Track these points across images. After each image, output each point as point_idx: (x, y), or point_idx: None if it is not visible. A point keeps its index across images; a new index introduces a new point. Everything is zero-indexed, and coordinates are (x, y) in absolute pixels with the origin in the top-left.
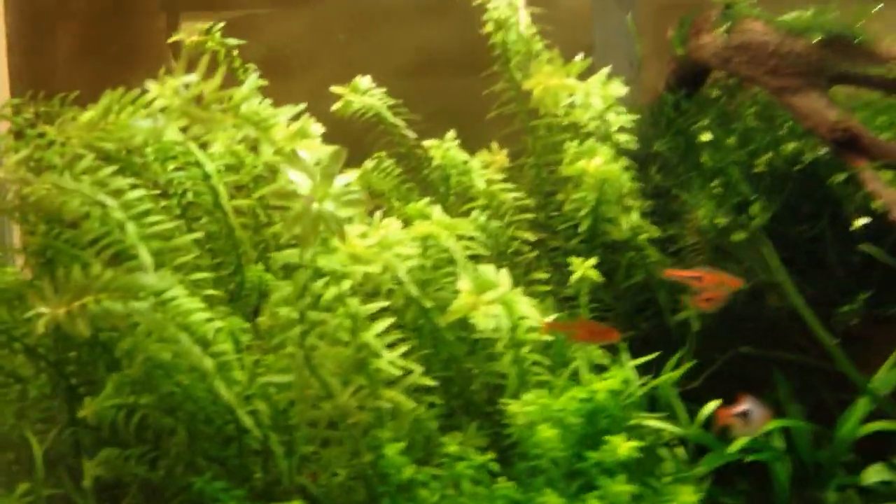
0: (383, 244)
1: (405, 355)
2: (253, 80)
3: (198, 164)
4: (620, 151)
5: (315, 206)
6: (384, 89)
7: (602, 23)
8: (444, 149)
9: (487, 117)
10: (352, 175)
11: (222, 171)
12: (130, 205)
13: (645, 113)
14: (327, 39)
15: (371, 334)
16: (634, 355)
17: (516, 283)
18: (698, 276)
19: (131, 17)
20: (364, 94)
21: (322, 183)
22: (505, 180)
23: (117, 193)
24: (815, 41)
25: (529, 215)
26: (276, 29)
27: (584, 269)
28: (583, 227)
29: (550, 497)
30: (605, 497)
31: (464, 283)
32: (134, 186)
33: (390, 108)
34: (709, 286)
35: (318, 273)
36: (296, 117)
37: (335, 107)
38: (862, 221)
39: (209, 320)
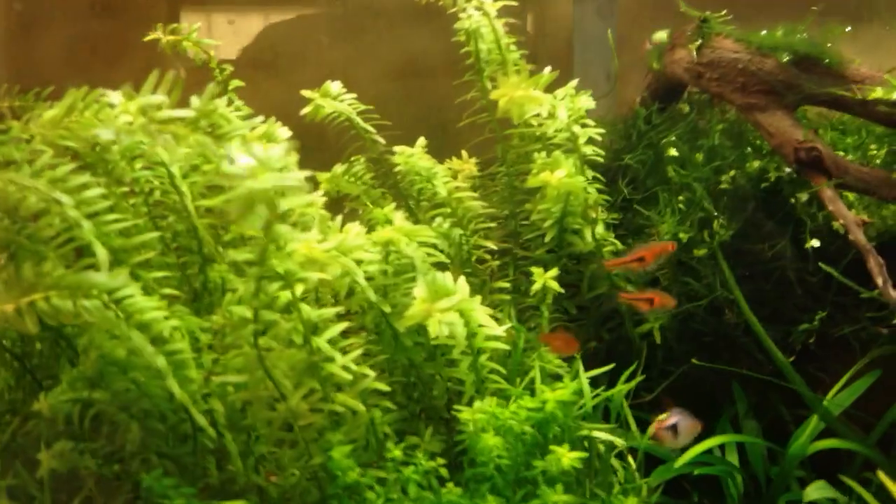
0: (342, 248)
1: (363, 359)
2: (210, 90)
3: (163, 163)
4: (589, 164)
5: (250, 183)
6: (354, 95)
7: (581, 36)
8: (407, 155)
9: (459, 125)
10: (302, 172)
11: (188, 171)
12: (88, 202)
13: (618, 126)
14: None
15: (323, 339)
16: (598, 365)
17: (479, 292)
18: (649, 299)
19: (128, 12)
20: (335, 99)
21: (260, 165)
22: (476, 188)
23: (74, 191)
24: (783, 60)
25: (493, 224)
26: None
27: (544, 279)
28: (548, 238)
29: None
30: None
31: (419, 291)
32: (93, 184)
33: (361, 113)
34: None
35: (272, 275)
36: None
37: (305, 111)
38: (815, 243)
39: (165, 319)
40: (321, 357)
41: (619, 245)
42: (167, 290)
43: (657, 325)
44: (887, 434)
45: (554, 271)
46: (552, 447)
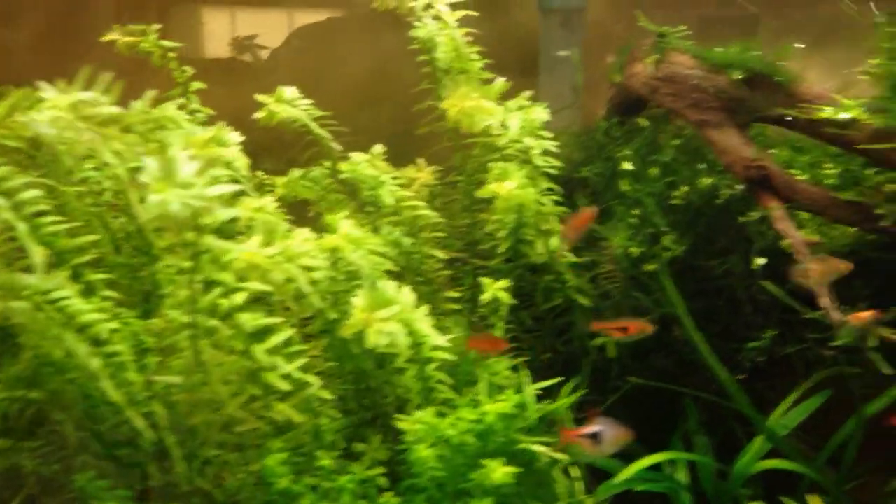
0: (287, 255)
1: (316, 365)
2: (148, 96)
3: (107, 164)
4: (548, 175)
5: (155, 197)
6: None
7: (548, 47)
8: (354, 163)
9: (417, 133)
10: (217, 187)
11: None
12: (28, 202)
13: (581, 138)
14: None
15: (266, 346)
16: (553, 377)
17: (430, 301)
18: (623, 327)
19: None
20: (289, 104)
21: (167, 179)
22: (435, 196)
23: (13, 192)
24: (736, 78)
25: (445, 233)
26: None
27: (493, 289)
28: (502, 249)
29: None
30: None
31: (359, 300)
32: (34, 185)
33: (317, 119)
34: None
35: (207, 282)
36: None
37: (258, 115)
38: (761, 261)
39: (105, 320)
40: (261, 365)
41: (573, 257)
42: (109, 293)
43: (611, 339)
44: (836, 455)
45: (504, 282)
46: (485, 460)
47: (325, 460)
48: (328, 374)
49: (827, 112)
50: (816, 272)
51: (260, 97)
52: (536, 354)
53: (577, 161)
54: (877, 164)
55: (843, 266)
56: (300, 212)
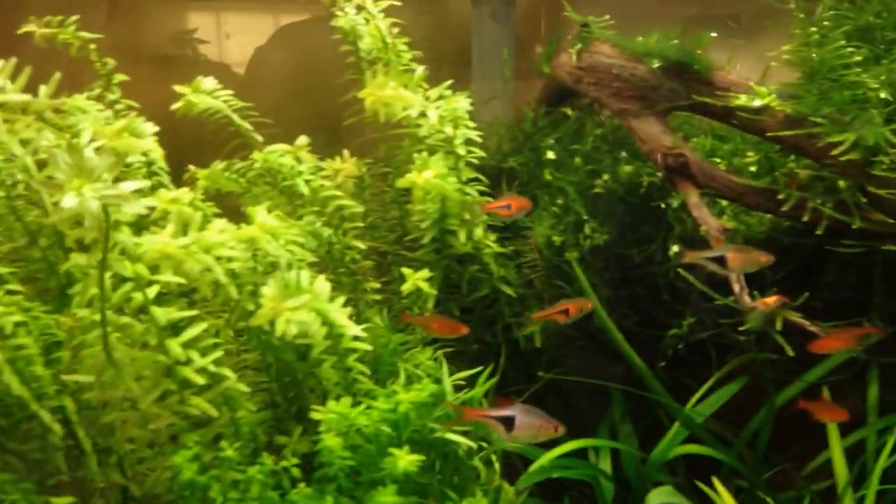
0: (202, 245)
1: (239, 361)
2: (53, 82)
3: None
4: (476, 166)
5: (72, 198)
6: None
7: (479, 39)
8: (268, 153)
9: (344, 124)
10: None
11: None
12: None
13: (512, 128)
14: None
15: (181, 340)
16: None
17: (353, 292)
18: (564, 310)
19: None
20: (209, 95)
21: (83, 178)
22: (365, 189)
23: None
24: (654, 66)
25: (363, 224)
26: None
27: (414, 279)
28: (425, 239)
29: None
30: None
31: (268, 290)
32: None
33: (237, 110)
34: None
35: (117, 278)
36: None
37: (176, 106)
38: (676, 248)
39: (9, 313)
40: (176, 359)
41: (497, 247)
42: (17, 286)
43: (537, 329)
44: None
45: (425, 272)
46: (391, 449)
47: (230, 451)
48: (253, 368)
49: (741, 99)
50: (736, 261)
51: (179, 87)
52: (466, 345)
53: (506, 151)
54: (789, 151)
55: (764, 258)
56: (233, 205)
